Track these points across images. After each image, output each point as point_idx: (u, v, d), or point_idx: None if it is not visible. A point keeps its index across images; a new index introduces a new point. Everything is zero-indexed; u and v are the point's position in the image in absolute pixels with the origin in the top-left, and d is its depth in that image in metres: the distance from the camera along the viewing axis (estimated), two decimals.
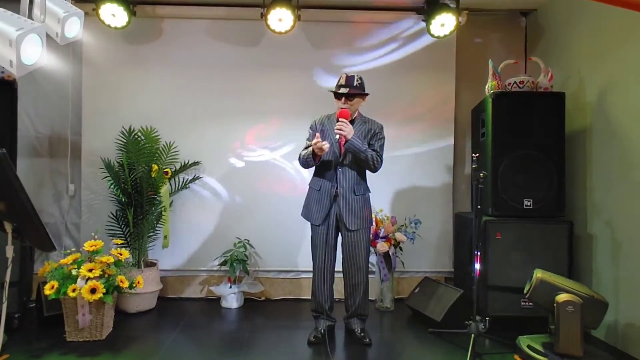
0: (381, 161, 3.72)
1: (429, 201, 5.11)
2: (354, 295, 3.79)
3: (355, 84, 3.66)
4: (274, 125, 5.08)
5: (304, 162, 3.77)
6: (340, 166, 3.70)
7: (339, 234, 3.81)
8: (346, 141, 3.57)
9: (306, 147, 3.77)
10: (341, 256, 3.79)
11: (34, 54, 2.64)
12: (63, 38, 3.06)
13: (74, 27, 3.14)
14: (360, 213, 3.72)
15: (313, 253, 3.84)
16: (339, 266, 3.83)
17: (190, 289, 5.04)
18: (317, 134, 3.60)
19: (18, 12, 2.71)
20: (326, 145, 3.57)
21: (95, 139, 4.94)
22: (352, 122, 3.71)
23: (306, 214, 3.85)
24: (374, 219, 4.52)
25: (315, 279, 3.83)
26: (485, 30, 5.23)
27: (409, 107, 5.11)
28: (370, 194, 3.86)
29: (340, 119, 3.57)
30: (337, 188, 3.69)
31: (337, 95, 3.70)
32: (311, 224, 3.82)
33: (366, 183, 3.85)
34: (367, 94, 3.76)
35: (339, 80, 3.72)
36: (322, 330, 3.81)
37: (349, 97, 3.66)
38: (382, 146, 3.76)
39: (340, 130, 3.54)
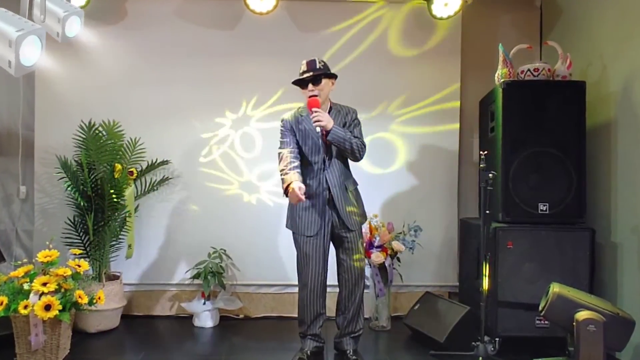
0: (365, 148, 3.76)
1: (431, 205, 5.10)
2: (350, 308, 3.79)
3: (318, 67, 3.70)
4: (254, 120, 5.08)
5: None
6: (327, 163, 3.72)
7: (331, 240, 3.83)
8: (327, 132, 3.58)
9: (283, 170, 3.70)
10: (336, 264, 3.82)
11: (33, 55, 2.90)
12: (64, 37, 3.36)
13: (75, 26, 3.44)
14: (357, 210, 3.80)
15: (304, 267, 3.78)
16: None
17: (159, 305, 5.01)
18: (302, 196, 3.51)
19: (18, 12, 2.93)
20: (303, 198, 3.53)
21: (50, 134, 4.91)
22: (329, 112, 3.78)
23: (293, 225, 3.83)
24: (367, 226, 4.54)
25: (306, 296, 3.78)
26: (495, 11, 5.23)
27: (407, 98, 5.11)
28: (356, 185, 3.94)
29: (313, 109, 3.58)
30: (329, 190, 3.69)
31: (302, 84, 3.72)
32: (300, 235, 3.78)
33: (351, 174, 3.92)
34: (334, 75, 3.79)
35: (300, 70, 3.75)
36: (308, 352, 3.79)
37: (315, 81, 3.67)
38: (360, 131, 3.82)
39: (318, 121, 3.55)
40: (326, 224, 3.70)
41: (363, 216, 3.86)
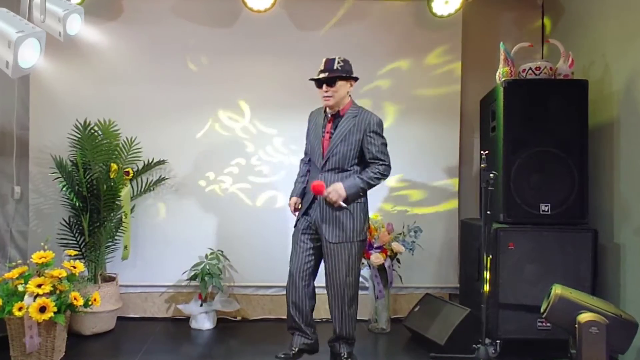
0: (389, 168, 3.65)
1: (431, 206, 5.09)
2: (335, 315, 3.71)
3: (336, 67, 3.59)
4: (252, 119, 5.06)
5: None
6: (321, 171, 3.65)
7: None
8: (345, 199, 3.53)
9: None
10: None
11: (32, 57, 2.95)
12: (66, 36, 3.50)
13: (75, 24, 3.57)
14: (343, 224, 3.60)
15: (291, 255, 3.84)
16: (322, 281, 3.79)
17: (155, 307, 5.00)
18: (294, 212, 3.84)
19: (18, 12, 3.01)
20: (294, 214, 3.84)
21: (45, 134, 4.89)
22: (339, 115, 3.66)
23: None
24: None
25: (288, 285, 3.76)
26: (497, 9, 5.22)
27: (407, 97, 5.10)
28: (364, 198, 3.73)
29: (319, 195, 3.57)
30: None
31: (317, 83, 3.64)
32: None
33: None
34: (354, 78, 3.67)
35: (319, 67, 3.67)
36: (296, 349, 3.72)
37: (329, 83, 3.57)
38: (381, 150, 3.63)
39: (332, 203, 3.52)
40: (310, 221, 3.69)
41: (352, 233, 3.59)
